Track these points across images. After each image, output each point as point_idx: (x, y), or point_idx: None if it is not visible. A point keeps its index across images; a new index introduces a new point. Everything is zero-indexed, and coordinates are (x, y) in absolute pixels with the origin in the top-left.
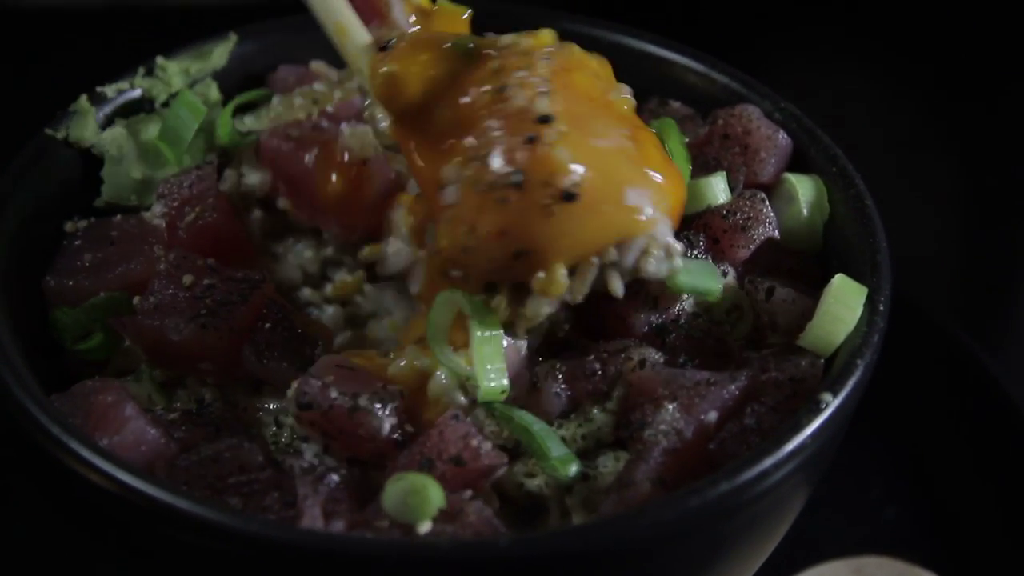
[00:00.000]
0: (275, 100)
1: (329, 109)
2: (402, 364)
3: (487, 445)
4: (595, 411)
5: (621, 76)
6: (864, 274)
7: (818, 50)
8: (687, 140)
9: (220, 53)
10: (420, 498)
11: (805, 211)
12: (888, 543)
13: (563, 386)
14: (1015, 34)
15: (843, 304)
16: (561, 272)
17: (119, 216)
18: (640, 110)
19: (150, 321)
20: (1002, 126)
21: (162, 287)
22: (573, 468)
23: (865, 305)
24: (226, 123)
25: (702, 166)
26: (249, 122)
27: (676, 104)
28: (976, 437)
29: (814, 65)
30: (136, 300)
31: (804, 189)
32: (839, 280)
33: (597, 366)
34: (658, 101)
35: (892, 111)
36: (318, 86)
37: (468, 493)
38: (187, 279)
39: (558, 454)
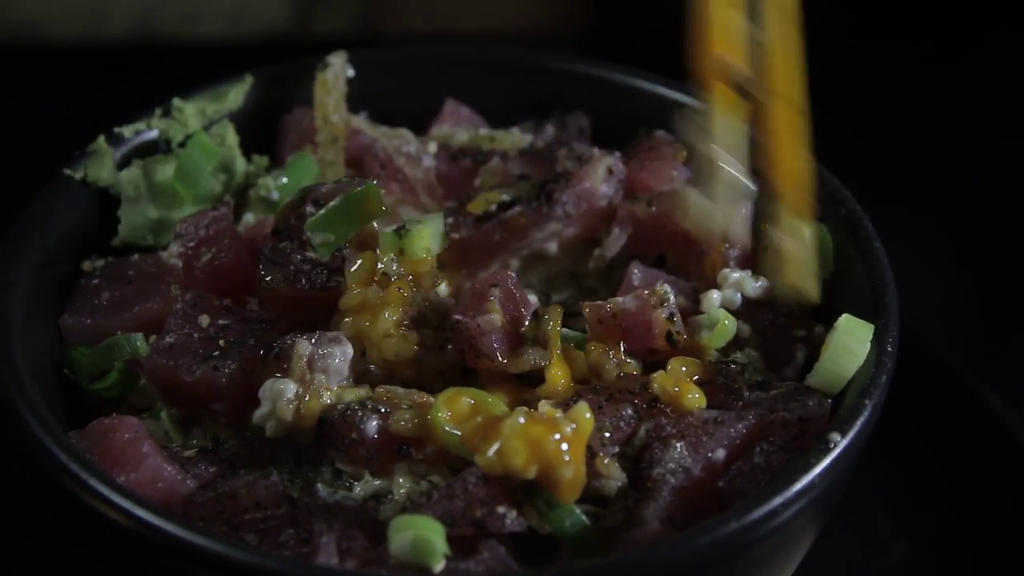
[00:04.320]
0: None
1: None
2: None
3: (512, 514)
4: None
5: (615, 110)
6: (872, 316)
7: None
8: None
9: (236, 95)
10: (426, 548)
11: None
12: None
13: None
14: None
15: (853, 337)
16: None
17: (136, 255)
18: (631, 141)
19: (164, 361)
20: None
21: (177, 327)
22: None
23: (873, 345)
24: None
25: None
26: (270, 184)
27: (660, 132)
28: (984, 476)
29: None
30: (152, 340)
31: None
32: (845, 318)
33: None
34: (644, 132)
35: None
36: None
37: None
38: (203, 320)
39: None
